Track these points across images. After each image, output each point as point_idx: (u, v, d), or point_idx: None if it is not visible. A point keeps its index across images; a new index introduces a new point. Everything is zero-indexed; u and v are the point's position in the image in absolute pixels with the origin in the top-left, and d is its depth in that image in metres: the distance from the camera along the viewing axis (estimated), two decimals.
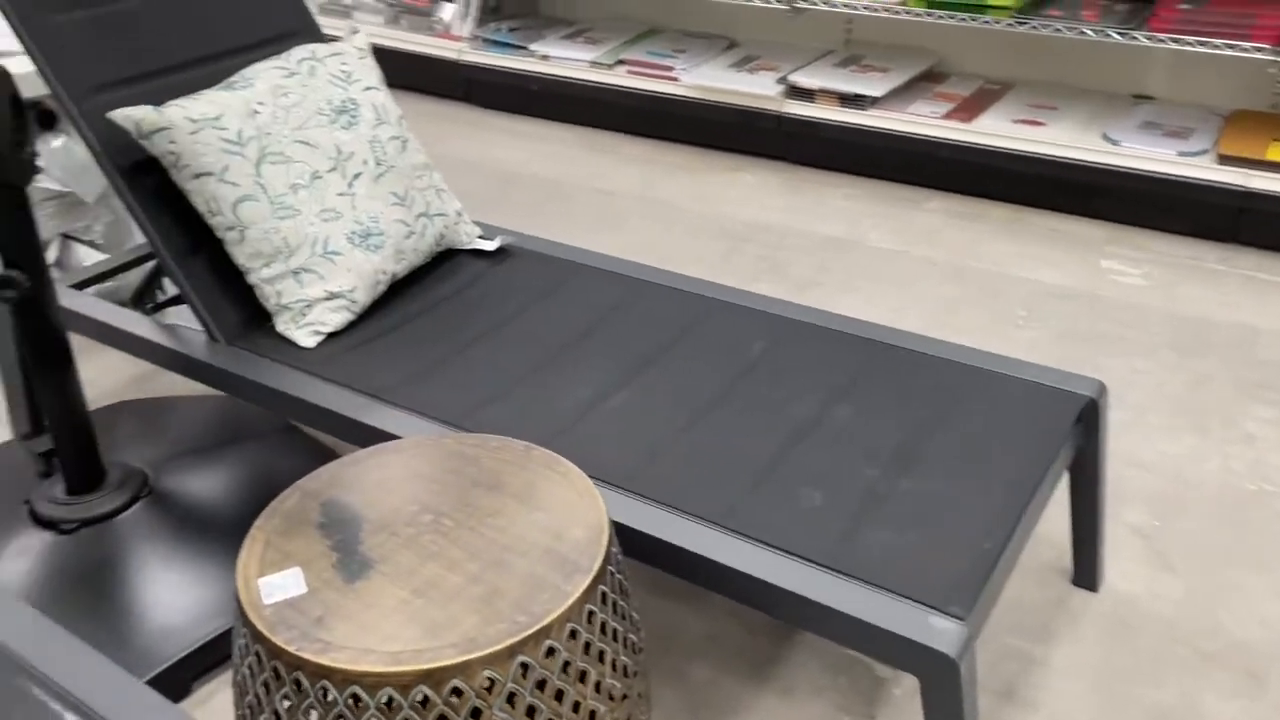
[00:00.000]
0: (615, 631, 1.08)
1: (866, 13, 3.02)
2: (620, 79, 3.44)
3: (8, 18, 1.62)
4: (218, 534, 1.70)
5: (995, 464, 1.39)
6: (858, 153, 3.13)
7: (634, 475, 1.37)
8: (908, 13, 2.96)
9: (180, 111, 1.62)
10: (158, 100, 1.69)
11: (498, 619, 0.99)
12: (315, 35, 2.00)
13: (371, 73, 1.86)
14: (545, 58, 3.59)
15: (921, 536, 1.28)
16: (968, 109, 3.04)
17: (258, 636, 0.99)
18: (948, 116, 2.99)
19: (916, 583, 1.21)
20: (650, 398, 1.54)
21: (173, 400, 2.09)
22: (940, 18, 2.91)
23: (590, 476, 1.36)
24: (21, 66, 1.78)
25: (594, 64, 3.50)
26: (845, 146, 3.13)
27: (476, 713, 0.96)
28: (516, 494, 1.16)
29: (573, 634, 1.01)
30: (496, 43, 3.71)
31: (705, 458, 1.41)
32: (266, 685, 0.99)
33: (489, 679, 0.96)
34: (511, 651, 0.96)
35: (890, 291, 2.57)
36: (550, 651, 0.99)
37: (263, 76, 1.73)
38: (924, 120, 2.98)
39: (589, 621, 1.03)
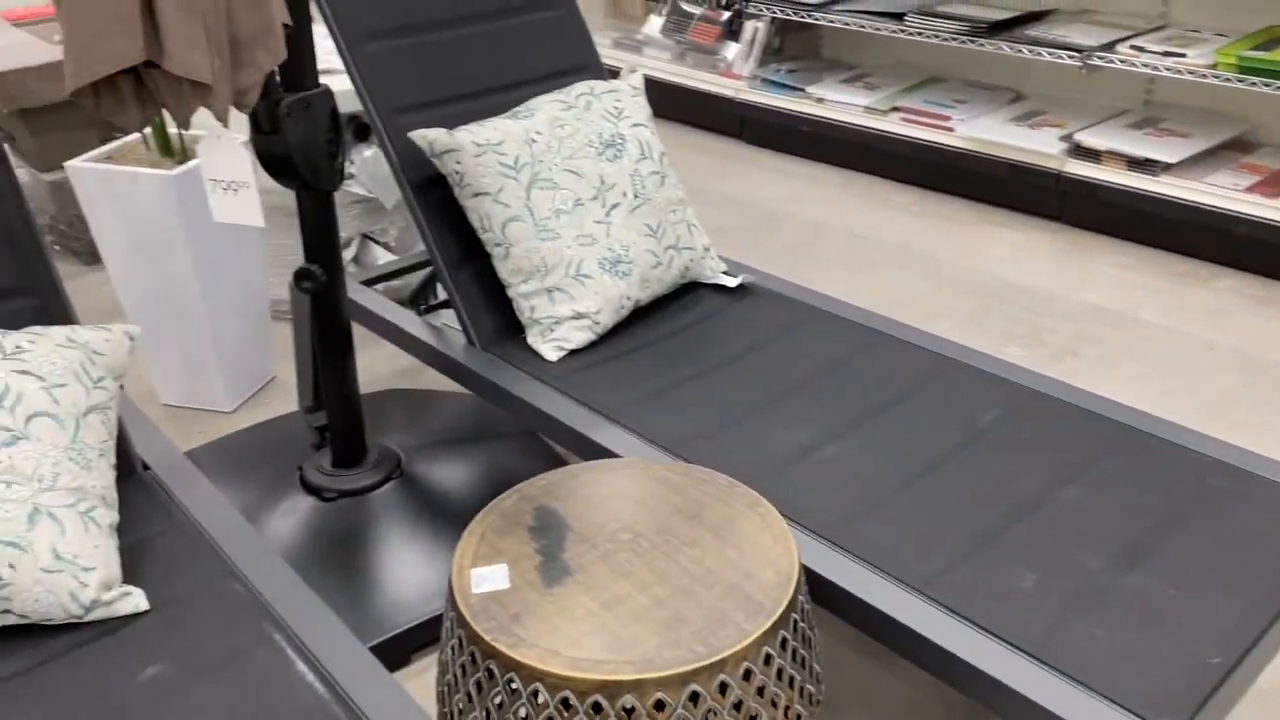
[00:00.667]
0: (792, 679, 1.09)
1: (1170, 74, 2.82)
2: (893, 125, 3.41)
3: (336, 42, 1.85)
4: (452, 521, 1.85)
5: (1241, 575, 1.27)
6: (1140, 220, 2.93)
7: (836, 527, 1.37)
8: (1216, 76, 2.74)
9: (468, 136, 1.79)
10: (450, 123, 1.87)
11: (677, 645, 1.02)
12: (598, 72, 2.14)
13: (642, 111, 1.97)
14: (820, 100, 3.61)
15: (1141, 639, 1.19)
16: (1276, 183, 2.77)
17: (462, 622, 1.08)
18: (1252, 190, 2.74)
19: (1129, 688, 1.13)
20: (867, 452, 1.52)
21: (433, 394, 2.29)
22: (1253, 84, 2.67)
23: (791, 521, 1.37)
24: (341, 85, 2.02)
25: (868, 109, 3.49)
26: (1127, 212, 2.94)
27: None
28: (713, 528, 1.19)
29: (747, 674, 1.03)
30: (774, 83, 3.78)
31: (914, 520, 1.38)
32: (464, 668, 1.08)
33: (659, 700, 0.99)
34: (684, 679, 1.00)
35: (1157, 373, 2.39)
36: (723, 687, 1.02)
37: (543, 108, 1.88)
38: (1223, 192, 2.75)
39: (766, 664, 1.05)
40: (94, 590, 1.25)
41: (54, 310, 1.57)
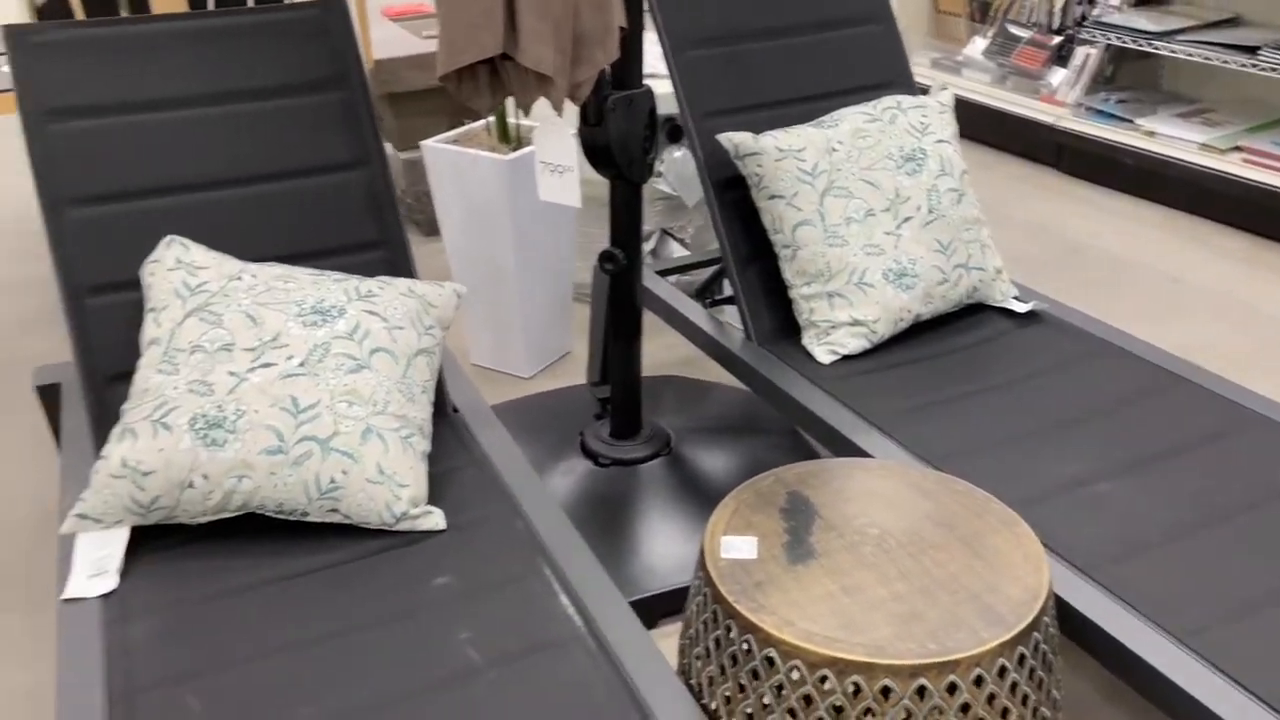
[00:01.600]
0: (1026, 697, 1.08)
1: None
2: (1232, 166, 3.14)
3: (663, 47, 2.00)
4: (710, 501, 1.94)
5: None
6: None
7: (1098, 564, 1.32)
8: None
9: (772, 141, 1.88)
10: (757, 128, 1.97)
11: (909, 639, 1.05)
12: (907, 87, 2.16)
13: (947, 127, 1.97)
14: (1151, 133, 3.39)
15: None
16: None
17: (709, 581, 1.16)
18: None
19: None
20: (1143, 495, 1.45)
21: (706, 385, 2.40)
22: None
23: (1048, 550, 1.34)
24: (661, 88, 2.17)
25: (1204, 146, 3.23)
26: None
27: (869, 712, 1.04)
28: (964, 538, 1.20)
29: (978, 680, 1.04)
30: (1101, 112, 3.58)
31: (1186, 569, 1.31)
32: (706, 624, 1.17)
33: (886, 687, 1.03)
34: (914, 671, 1.02)
35: None
36: (952, 688, 1.03)
37: (848, 119, 1.93)
38: None
39: (999, 676, 1.05)
40: (405, 505, 1.46)
41: (400, 265, 1.82)
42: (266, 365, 1.48)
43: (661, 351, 2.69)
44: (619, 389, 2.02)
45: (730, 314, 2.13)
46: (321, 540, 1.46)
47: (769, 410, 2.29)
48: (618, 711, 1.16)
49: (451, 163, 2.36)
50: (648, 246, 2.82)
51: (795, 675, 1.06)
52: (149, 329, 1.55)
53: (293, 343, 1.51)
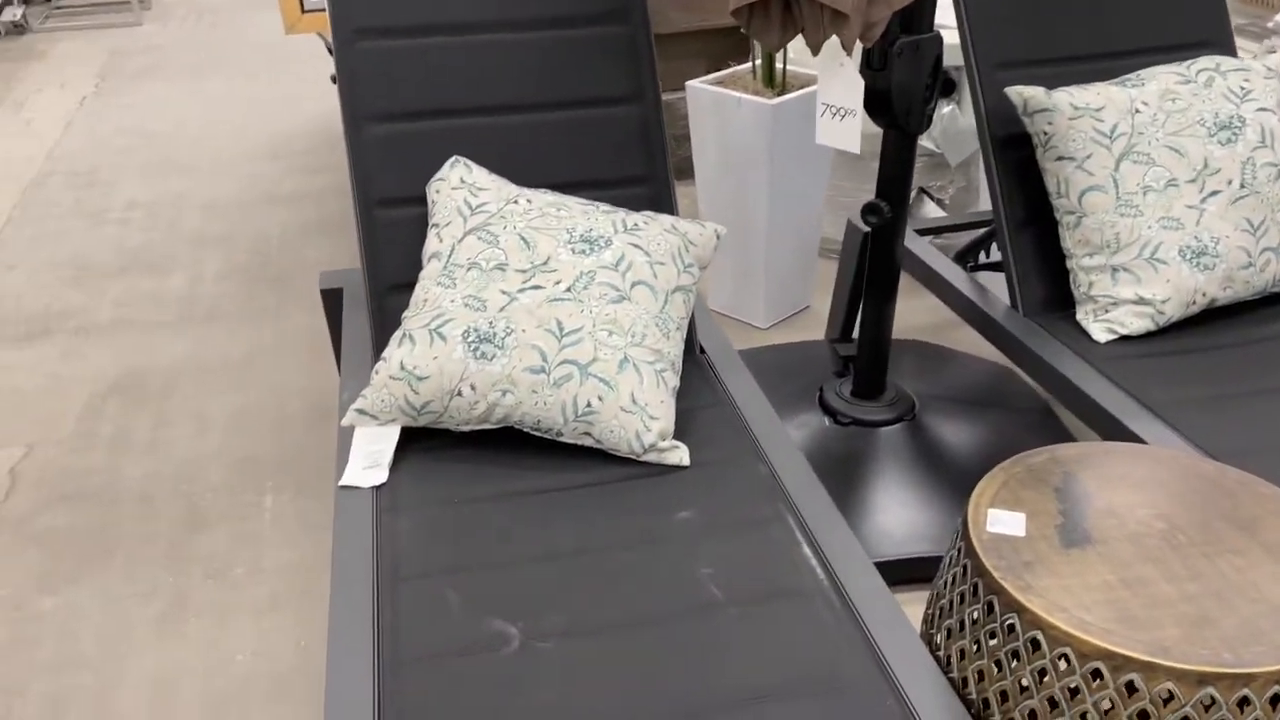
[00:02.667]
0: None
1: None
2: None
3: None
4: (951, 475, 1.86)
5: None
6: None
7: None
8: None
9: (1067, 98, 1.75)
10: (1050, 84, 1.83)
11: (1200, 644, 0.96)
12: (1226, 48, 1.95)
13: (1272, 96, 1.77)
14: None
15: None
16: None
17: (971, 553, 1.11)
18: None
19: None
20: None
21: (954, 353, 2.30)
22: None
23: None
24: (949, 38, 2.06)
25: None
26: None
27: (1143, 715, 0.96)
28: (1269, 545, 1.08)
29: (1275, 700, 0.94)
30: None
31: None
32: (962, 596, 1.12)
33: (1169, 692, 0.95)
34: (1202, 679, 0.94)
35: None
36: (1244, 703, 0.94)
37: (1157, 79, 1.77)
38: None
39: None
40: (653, 436, 1.48)
41: (663, 202, 1.83)
42: (536, 288, 1.53)
43: (911, 315, 2.60)
44: (866, 348, 1.96)
45: (994, 281, 2.02)
46: (571, 461, 1.51)
47: (1019, 385, 2.17)
48: (859, 669, 1.13)
49: (714, 104, 2.35)
50: None
51: (1063, 664, 1.00)
52: (431, 243, 1.63)
53: (561, 268, 1.55)
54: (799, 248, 2.52)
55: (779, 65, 2.38)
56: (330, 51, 3.72)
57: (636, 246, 1.60)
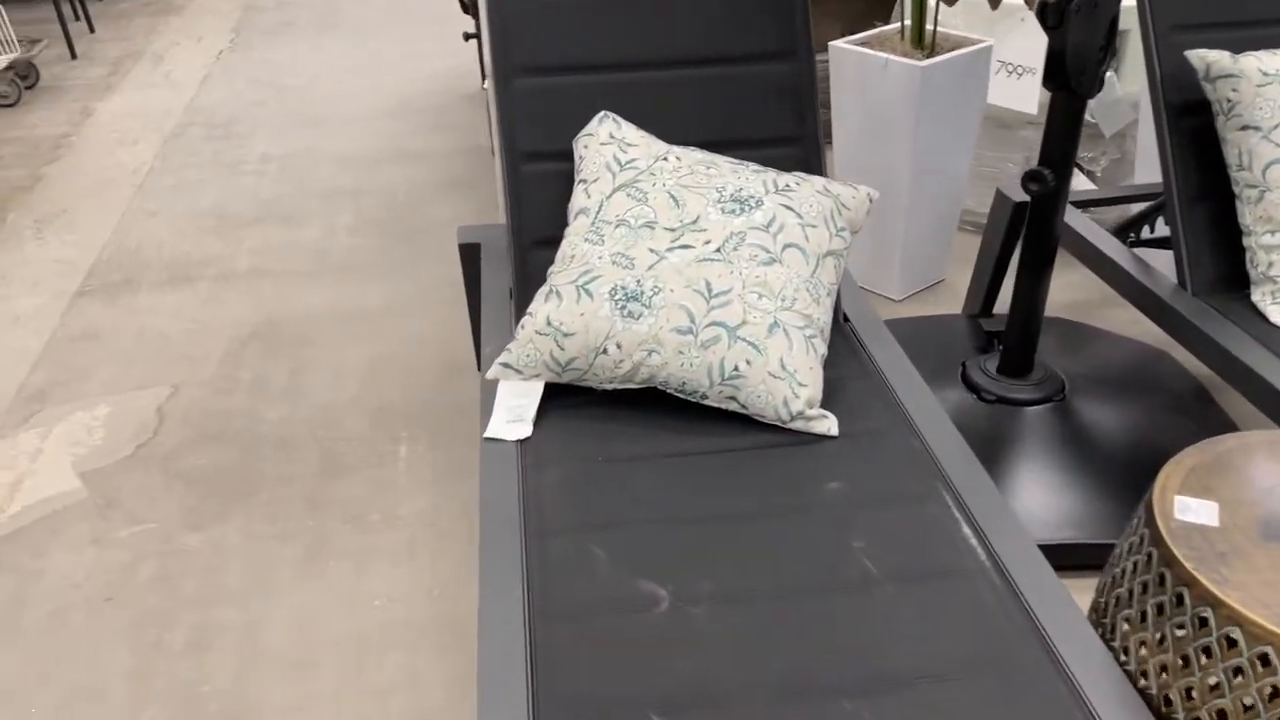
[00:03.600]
0: None
1: None
2: None
3: None
4: (1101, 460, 1.78)
5: None
6: None
7: None
8: None
9: (1255, 63, 1.63)
10: (1235, 48, 1.71)
11: None
12: None
13: None
14: None
15: None
16: None
17: (1157, 540, 1.05)
18: None
19: None
20: None
21: (1103, 332, 2.19)
22: None
23: None
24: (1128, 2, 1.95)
25: None
26: None
27: None
28: None
29: None
30: None
31: None
32: (1145, 585, 1.06)
33: None
34: None
35: None
36: None
37: None
38: None
39: None
40: (801, 404, 1.44)
41: (812, 164, 1.77)
42: (685, 247, 1.50)
43: (1061, 292, 2.49)
44: (1017, 323, 1.88)
45: (1157, 258, 1.91)
46: (715, 424, 1.48)
47: (1172, 367, 2.06)
48: (1027, 656, 1.08)
49: (858, 66, 2.27)
50: None
51: (1261, 665, 0.93)
52: (578, 198, 1.61)
53: (711, 228, 1.52)
54: (939, 219, 2.43)
55: (929, 26, 2.29)
56: (465, 9, 3.73)
57: (788, 208, 1.55)
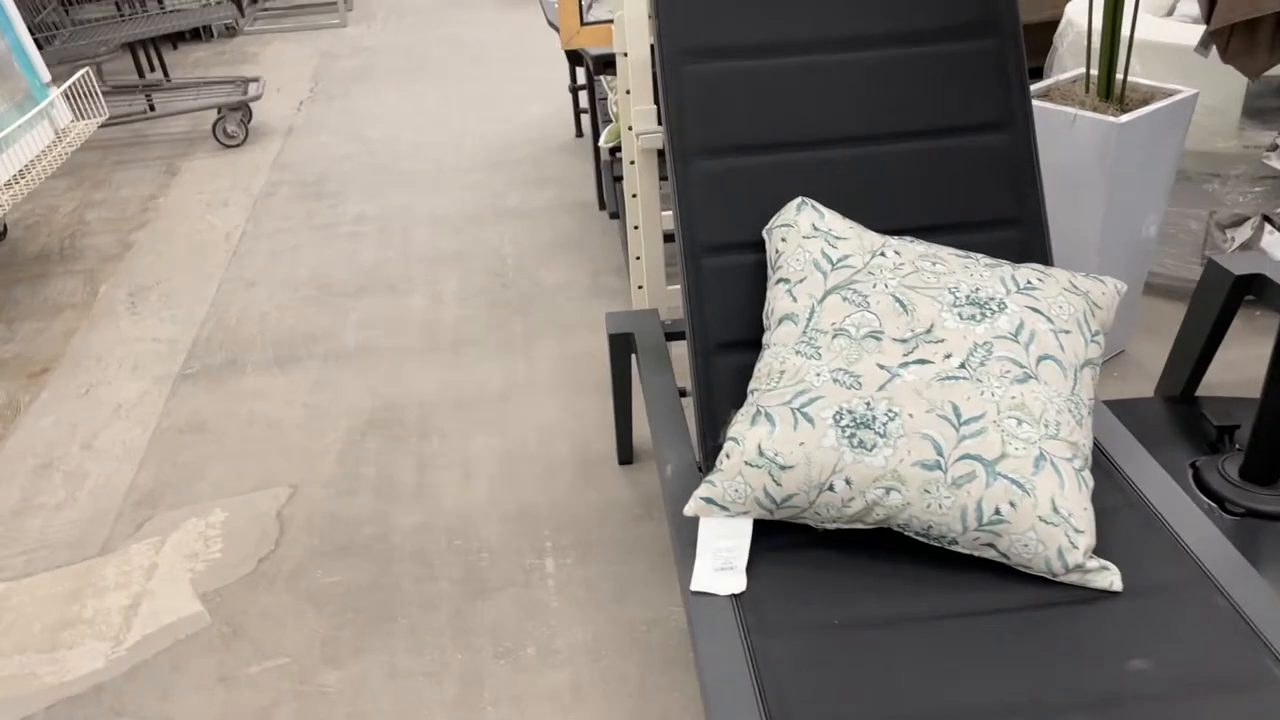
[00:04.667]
0: None
1: None
2: None
3: None
4: None
5: None
6: None
7: None
8: None
9: None
10: None
11: None
12: None
13: None
14: None
15: None
16: None
17: None
18: None
19: None
20: None
21: None
22: None
23: None
24: None
25: None
26: None
27: None
28: None
29: None
30: None
31: None
32: None
33: None
34: None
35: None
36: None
37: None
38: None
39: None
40: (1079, 554, 1.20)
41: (1036, 248, 1.55)
42: (921, 362, 1.28)
43: (1245, 364, 2.23)
44: (1267, 419, 1.63)
45: None
46: (965, 575, 1.25)
47: None
48: None
49: (1043, 120, 2.04)
50: (1239, 236, 2.34)
51: None
52: (780, 300, 1.40)
53: (949, 338, 1.30)
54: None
55: (1118, 75, 2.05)
56: (571, 60, 3.56)
57: (1035, 310, 1.33)
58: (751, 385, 1.37)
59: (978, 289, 1.34)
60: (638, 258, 2.04)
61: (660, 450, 1.52)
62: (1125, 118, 1.93)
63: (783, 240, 1.44)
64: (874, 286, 1.35)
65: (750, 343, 1.49)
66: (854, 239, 1.41)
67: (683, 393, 1.75)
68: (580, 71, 3.70)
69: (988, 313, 1.31)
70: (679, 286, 2.37)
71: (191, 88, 4.32)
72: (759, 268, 1.51)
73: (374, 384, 2.44)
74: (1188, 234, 2.37)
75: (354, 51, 5.24)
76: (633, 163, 2.00)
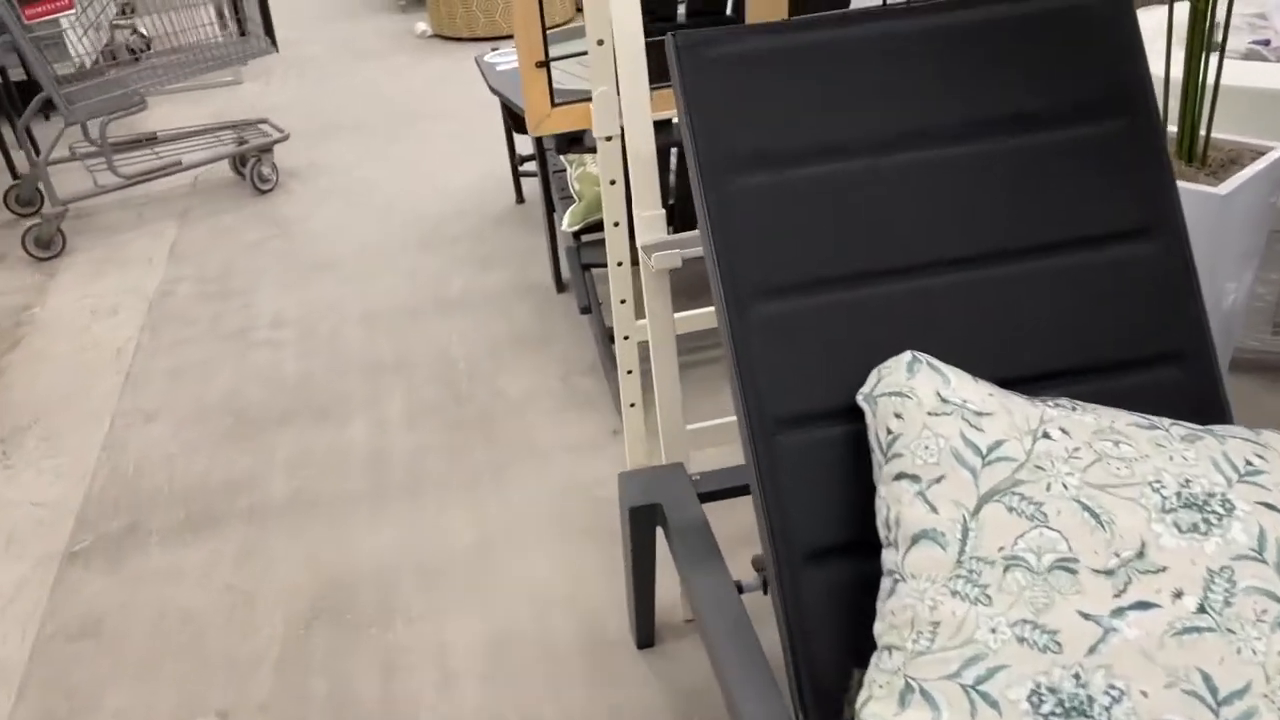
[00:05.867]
0: None
1: None
2: None
3: None
4: None
5: None
6: None
7: None
8: None
9: None
10: None
11: None
12: None
13: None
14: None
15: None
16: None
17: None
18: None
19: None
20: None
21: None
22: None
23: None
24: None
25: None
26: None
27: None
28: None
29: None
30: None
31: None
32: None
33: None
34: None
35: None
36: None
37: None
38: None
39: None
40: None
41: (1206, 390, 1.18)
42: (1142, 605, 0.90)
43: None
44: None
45: None
46: None
47: None
48: None
49: None
50: None
51: None
52: (911, 509, 1.00)
53: (1173, 564, 0.92)
54: None
55: (1202, 132, 1.73)
56: (517, 129, 3.14)
57: (1272, 508, 0.96)
58: (882, 633, 0.97)
59: (1187, 481, 0.97)
60: (632, 404, 1.63)
61: (732, 693, 1.11)
62: (1226, 187, 1.60)
63: (896, 417, 1.05)
64: (1048, 489, 0.97)
65: (849, 548, 1.10)
66: (1001, 414, 1.02)
67: (740, 588, 1.35)
68: (521, 135, 3.28)
69: (1213, 519, 0.94)
70: (698, 425, 1.97)
71: (185, 138, 3.80)
72: (854, 442, 1.12)
73: (314, 549, 1.98)
74: (1264, 303, 2.06)
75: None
76: (621, 265, 1.60)
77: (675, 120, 2.08)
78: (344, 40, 5.63)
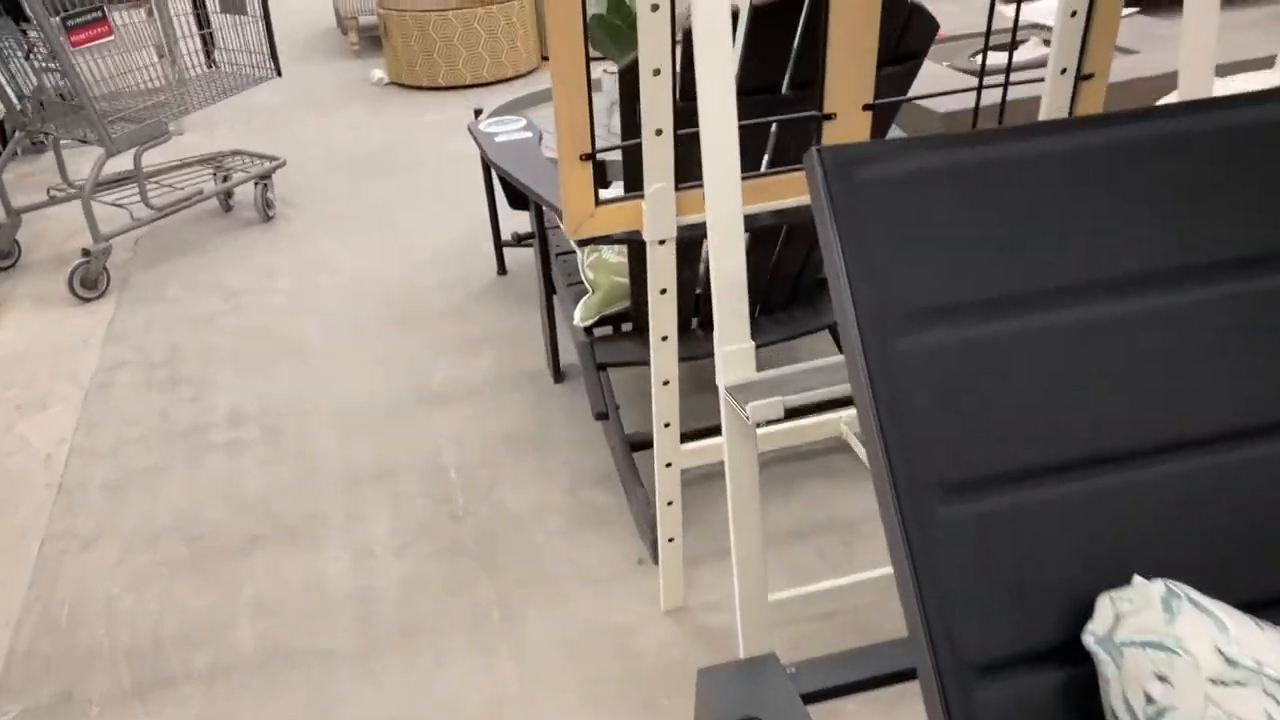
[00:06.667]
0: None
1: None
2: None
3: None
4: None
5: None
6: None
7: None
8: None
9: None
10: None
11: None
12: None
13: None
14: None
15: None
16: None
17: None
18: None
19: None
20: None
21: None
22: None
23: None
24: None
25: None
26: None
27: None
28: None
29: None
30: None
31: None
32: None
33: None
34: None
35: None
36: None
37: None
38: None
39: None
40: None
41: None
42: None
43: None
44: None
45: None
46: None
47: None
48: None
49: None
50: None
51: None
52: None
53: None
54: None
55: None
56: (511, 204, 2.87)
57: None
58: None
59: None
60: (670, 539, 1.34)
61: None
62: None
63: (1160, 680, 0.77)
64: None
65: None
66: None
67: None
68: (500, 185, 3.00)
69: None
70: (779, 596, 1.69)
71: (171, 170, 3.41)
72: (1078, 691, 0.84)
73: None
74: None
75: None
76: (667, 384, 1.31)
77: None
78: (297, 87, 5.29)
